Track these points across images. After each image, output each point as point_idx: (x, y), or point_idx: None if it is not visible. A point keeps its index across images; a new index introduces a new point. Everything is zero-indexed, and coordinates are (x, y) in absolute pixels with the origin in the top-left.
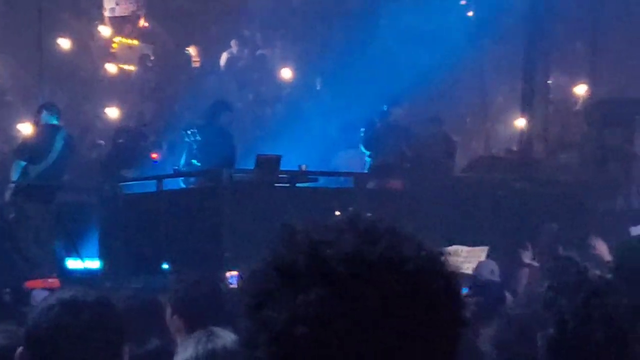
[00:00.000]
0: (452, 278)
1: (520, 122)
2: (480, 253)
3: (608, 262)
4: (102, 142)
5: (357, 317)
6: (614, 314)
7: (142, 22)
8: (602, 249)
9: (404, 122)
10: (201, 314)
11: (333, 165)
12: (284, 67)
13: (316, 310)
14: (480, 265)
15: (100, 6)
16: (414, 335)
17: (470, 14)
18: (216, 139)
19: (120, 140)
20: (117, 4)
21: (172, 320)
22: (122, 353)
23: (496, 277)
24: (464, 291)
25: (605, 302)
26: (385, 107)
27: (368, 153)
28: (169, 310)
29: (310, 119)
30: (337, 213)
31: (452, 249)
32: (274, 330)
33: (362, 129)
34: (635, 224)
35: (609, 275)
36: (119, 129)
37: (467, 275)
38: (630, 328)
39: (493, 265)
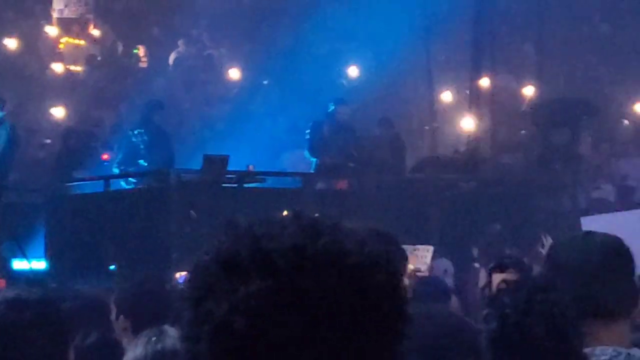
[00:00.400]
0: (394, 274)
1: (467, 123)
2: (425, 253)
3: None
4: (48, 141)
5: (298, 309)
6: (555, 309)
7: (91, 26)
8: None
9: (350, 121)
10: (146, 314)
11: (280, 166)
12: (232, 67)
13: (256, 303)
14: (434, 264)
15: (47, 7)
16: (355, 330)
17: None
18: (157, 139)
19: (71, 141)
20: (65, 6)
21: (118, 322)
22: (68, 351)
23: (449, 277)
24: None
25: (546, 298)
26: (331, 106)
27: (313, 159)
28: (114, 311)
29: (257, 120)
30: (285, 213)
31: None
32: (214, 322)
33: (307, 131)
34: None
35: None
36: (69, 130)
37: (414, 273)
38: (571, 323)
39: (447, 265)
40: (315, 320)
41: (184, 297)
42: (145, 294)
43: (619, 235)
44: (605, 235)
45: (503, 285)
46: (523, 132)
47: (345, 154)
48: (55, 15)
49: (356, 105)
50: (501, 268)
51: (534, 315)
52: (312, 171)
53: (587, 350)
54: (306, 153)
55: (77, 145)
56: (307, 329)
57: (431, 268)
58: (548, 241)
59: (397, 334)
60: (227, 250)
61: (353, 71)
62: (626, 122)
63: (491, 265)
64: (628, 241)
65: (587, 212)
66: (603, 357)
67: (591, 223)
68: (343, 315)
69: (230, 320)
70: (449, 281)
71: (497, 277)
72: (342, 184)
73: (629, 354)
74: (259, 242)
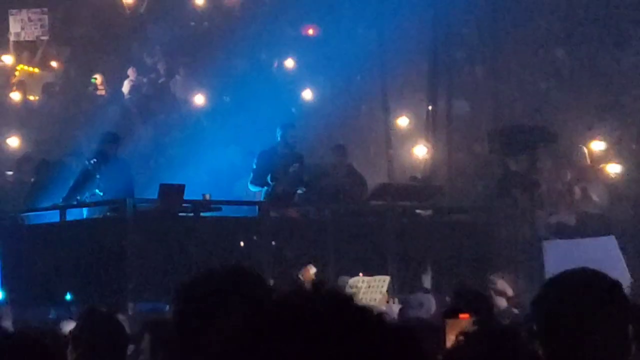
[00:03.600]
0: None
1: (424, 149)
2: (381, 283)
3: (510, 296)
4: (10, 172)
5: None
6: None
7: (46, 51)
8: (503, 285)
9: (299, 147)
10: (94, 346)
11: (235, 194)
12: (187, 94)
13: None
14: (409, 299)
15: (2, 34)
16: None
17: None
18: (115, 168)
19: (43, 172)
20: (22, 29)
21: (69, 353)
22: None
23: (425, 312)
24: None
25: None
26: (279, 132)
27: (255, 189)
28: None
29: (212, 147)
30: (242, 244)
31: (352, 281)
32: None
33: (255, 160)
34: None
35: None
36: (42, 161)
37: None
38: None
39: (425, 299)
40: None
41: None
42: (94, 325)
43: (579, 261)
44: (600, 279)
45: (461, 339)
46: (480, 158)
47: (296, 181)
48: (12, 38)
49: (310, 131)
50: (456, 313)
51: None
52: (262, 199)
53: None
54: (249, 184)
55: (49, 176)
56: None
57: (386, 299)
58: (499, 281)
59: None
60: None
61: (307, 94)
62: (583, 148)
63: (444, 309)
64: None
65: (548, 238)
66: None
67: (554, 248)
68: None
69: None
70: (425, 315)
71: (452, 326)
72: (293, 212)
73: None
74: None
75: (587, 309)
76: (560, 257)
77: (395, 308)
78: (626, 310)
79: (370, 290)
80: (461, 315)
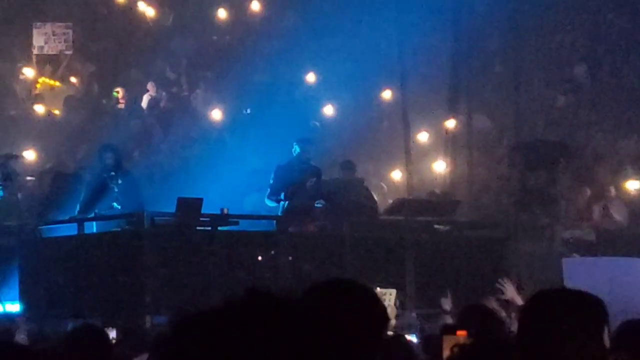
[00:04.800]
0: None
1: (443, 164)
2: (388, 297)
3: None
4: (30, 177)
5: None
6: None
7: (69, 65)
8: (511, 293)
9: (318, 162)
10: None
11: (248, 208)
12: (207, 108)
13: None
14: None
15: (22, 47)
16: None
17: None
18: (129, 183)
19: (59, 184)
20: (46, 43)
21: None
22: None
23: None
24: None
25: None
26: (296, 147)
27: (272, 204)
28: None
29: (231, 161)
30: (259, 258)
31: None
32: None
33: (272, 175)
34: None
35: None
36: (58, 172)
37: None
38: None
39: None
40: None
41: None
42: (81, 342)
43: (600, 280)
44: (579, 292)
45: (456, 351)
46: (499, 173)
47: (314, 195)
48: (35, 52)
49: (330, 145)
50: (453, 329)
51: None
52: (279, 214)
53: None
54: (266, 199)
55: (64, 188)
56: None
57: (395, 312)
58: (508, 287)
59: None
60: None
61: (328, 109)
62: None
63: (441, 326)
64: (609, 287)
65: (566, 254)
66: None
67: (573, 266)
68: None
69: None
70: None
71: (448, 342)
72: (311, 227)
73: None
74: None
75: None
76: (580, 274)
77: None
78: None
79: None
80: (458, 332)
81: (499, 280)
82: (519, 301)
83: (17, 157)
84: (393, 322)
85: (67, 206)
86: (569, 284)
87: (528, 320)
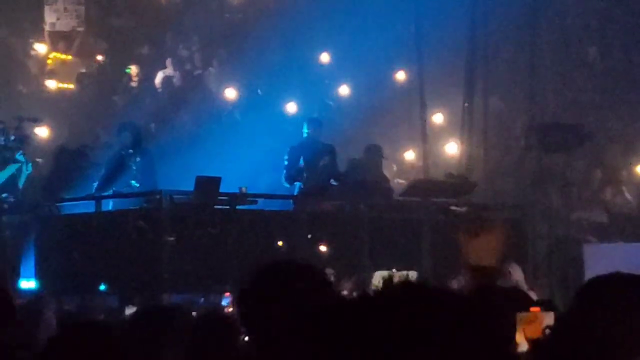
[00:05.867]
0: None
1: (454, 147)
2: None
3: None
4: (40, 160)
5: None
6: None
7: (81, 41)
8: (518, 275)
9: (327, 141)
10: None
11: (264, 187)
12: (221, 86)
13: None
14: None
15: (34, 22)
16: None
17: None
18: (147, 160)
19: (62, 161)
20: (57, 19)
21: None
22: None
23: None
24: None
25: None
26: (305, 128)
27: (288, 184)
28: None
29: (248, 140)
30: (279, 240)
31: (378, 275)
32: None
33: (285, 157)
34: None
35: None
36: (61, 149)
37: None
38: None
39: None
40: None
41: None
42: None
43: (621, 266)
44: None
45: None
46: (515, 155)
47: (329, 174)
48: (47, 28)
49: (345, 125)
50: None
51: None
52: (295, 193)
53: None
54: (283, 180)
55: (68, 165)
56: None
57: None
58: (514, 270)
59: None
60: None
61: (343, 89)
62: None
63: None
64: (631, 272)
65: (579, 236)
66: None
67: (595, 252)
68: None
69: None
70: None
71: (523, 320)
72: (328, 206)
73: None
74: None
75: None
76: (601, 261)
77: None
78: None
79: None
80: (532, 309)
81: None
82: (524, 286)
83: (35, 119)
84: None
85: (70, 183)
86: (590, 270)
87: (586, 306)
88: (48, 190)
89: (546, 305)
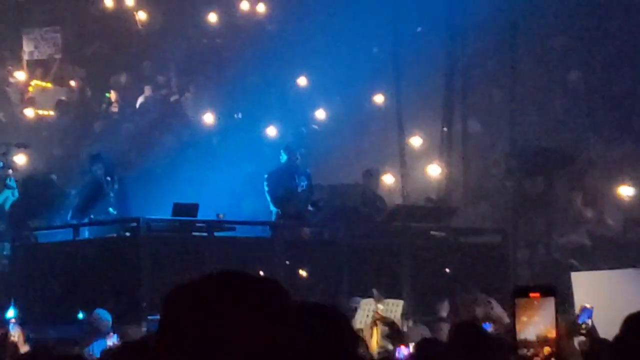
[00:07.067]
0: None
1: (437, 169)
2: (395, 307)
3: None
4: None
5: None
6: None
7: (59, 66)
8: (498, 310)
9: (304, 167)
10: None
11: (242, 214)
12: (198, 112)
13: None
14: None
15: (13, 50)
16: None
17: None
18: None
19: (27, 189)
20: (35, 48)
21: None
22: None
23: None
24: None
25: None
26: (283, 155)
27: (275, 210)
28: None
29: (226, 166)
30: (256, 264)
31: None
32: None
33: (265, 183)
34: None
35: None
36: (26, 177)
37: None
38: None
39: (424, 330)
40: None
41: None
42: None
43: (608, 293)
44: None
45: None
46: (495, 180)
47: (306, 200)
48: (25, 57)
49: (323, 150)
50: (526, 292)
51: None
52: (273, 220)
53: None
54: (271, 206)
55: (35, 192)
56: None
57: (400, 324)
58: (495, 305)
59: None
60: None
61: (320, 113)
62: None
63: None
64: (617, 300)
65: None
66: None
67: (582, 279)
68: None
69: None
70: None
71: (522, 306)
72: (306, 233)
73: None
74: None
75: None
76: (588, 288)
77: (414, 331)
78: None
79: (386, 314)
80: (531, 294)
81: (486, 298)
82: (506, 319)
83: (24, 145)
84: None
85: (37, 210)
86: (578, 298)
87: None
88: (15, 218)
89: (545, 291)
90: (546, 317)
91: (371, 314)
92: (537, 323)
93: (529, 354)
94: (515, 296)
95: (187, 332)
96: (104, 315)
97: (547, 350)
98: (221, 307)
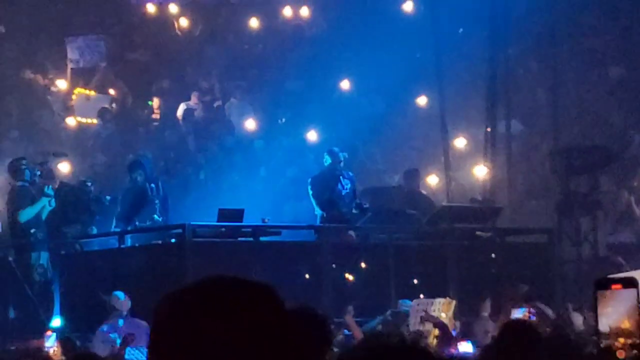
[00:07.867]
0: None
1: (483, 170)
2: (447, 307)
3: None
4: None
5: None
6: None
7: (104, 75)
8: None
9: (354, 169)
10: None
11: (283, 217)
12: (242, 117)
13: None
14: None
15: (54, 58)
16: None
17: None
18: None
19: (62, 196)
20: (80, 56)
21: None
22: None
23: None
24: None
25: None
26: (327, 158)
27: (320, 213)
28: None
29: (270, 170)
30: (302, 268)
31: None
32: None
33: (309, 187)
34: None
35: None
36: (60, 185)
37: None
38: None
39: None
40: None
41: None
42: None
43: None
44: None
45: None
46: (540, 179)
47: (351, 203)
48: (70, 65)
49: (367, 152)
50: (608, 284)
51: None
52: (318, 223)
53: None
54: (317, 210)
55: (68, 199)
56: None
57: (453, 323)
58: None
59: None
60: None
61: (364, 116)
62: None
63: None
64: None
65: (610, 259)
66: None
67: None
68: None
69: None
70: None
71: (603, 297)
72: (352, 236)
73: None
74: None
75: None
76: None
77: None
78: None
79: (436, 313)
80: (613, 286)
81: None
82: (551, 314)
83: (63, 154)
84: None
85: (71, 217)
86: None
87: None
88: (52, 225)
89: (627, 283)
90: (628, 309)
91: (451, 312)
92: (618, 314)
93: (614, 344)
94: (597, 288)
95: (169, 343)
96: (122, 296)
97: (630, 340)
98: (202, 315)
